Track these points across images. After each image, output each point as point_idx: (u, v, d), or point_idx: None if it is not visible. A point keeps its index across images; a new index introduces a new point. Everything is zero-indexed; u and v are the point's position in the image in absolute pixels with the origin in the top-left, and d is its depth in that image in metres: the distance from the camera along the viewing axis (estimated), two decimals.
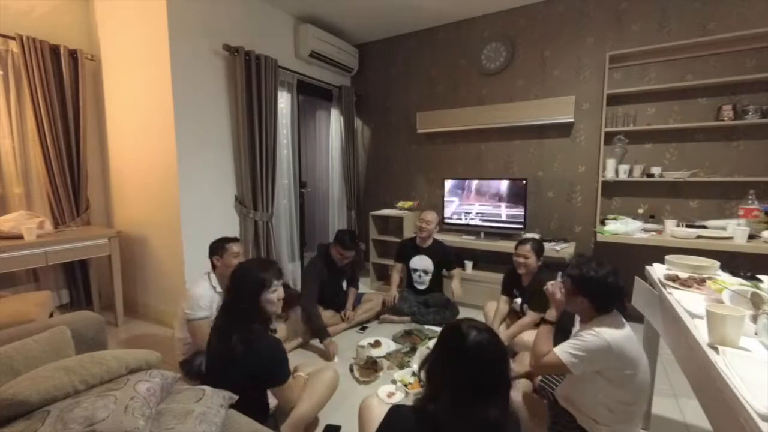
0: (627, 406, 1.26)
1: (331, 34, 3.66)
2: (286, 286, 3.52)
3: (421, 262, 2.98)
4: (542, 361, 1.34)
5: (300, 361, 2.28)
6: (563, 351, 1.28)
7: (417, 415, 0.90)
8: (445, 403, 0.85)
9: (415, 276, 3.00)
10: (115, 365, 1.13)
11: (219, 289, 2.00)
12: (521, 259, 2.30)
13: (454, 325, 0.94)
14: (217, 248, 2.10)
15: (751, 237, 2.33)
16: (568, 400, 1.38)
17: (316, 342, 2.54)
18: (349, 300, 2.84)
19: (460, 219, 3.45)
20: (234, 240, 2.19)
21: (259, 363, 1.33)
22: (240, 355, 1.31)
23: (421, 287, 2.98)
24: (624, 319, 1.34)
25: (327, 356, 2.37)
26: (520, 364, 1.95)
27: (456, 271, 2.96)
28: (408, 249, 3.04)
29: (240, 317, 1.37)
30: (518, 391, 1.58)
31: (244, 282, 1.41)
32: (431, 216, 2.95)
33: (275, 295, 1.45)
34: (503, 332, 2.37)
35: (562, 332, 1.49)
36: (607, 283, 1.30)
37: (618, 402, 1.26)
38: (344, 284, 2.91)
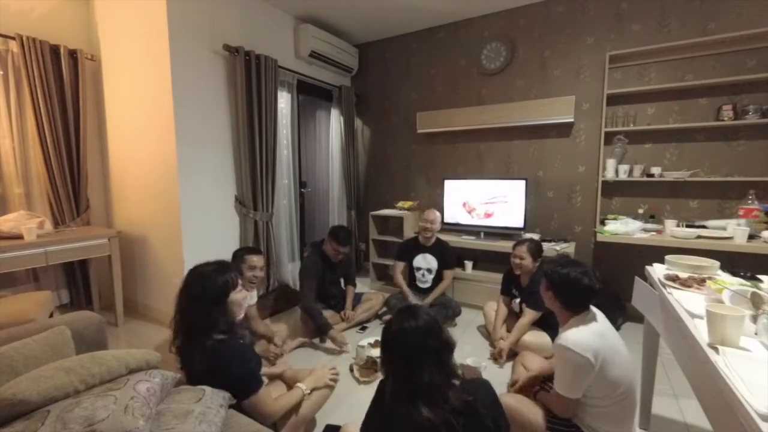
0: (603, 401, 1.29)
1: (331, 34, 3.66)
2: (285, 286, 3.53)
3: (426, 261, 2.97)
4: (558, 410, 1.37)
5: (301, 360, 2.29)
6: (561, 390, 1.31)
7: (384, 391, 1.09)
8: (392, 381, 1.04)
9: (418, 275, 2.99)
10: (115, 365, 1.13)
11: None
12: (517, 260, 2.34)
13: (390, 325, 1.09)
14: (235, 258, 2.11)
15: (751, 237, 2.33)
16: None
17: (316, 341, 2.55)
18: (348, 299, 2.84)
19: (460, 219, 3.45)
20: (255, 251, 2.17)
21: (223, 375, 1.22)
22: (207, 368, 1.23)
23: (424, 286, 2.98)
24: (602, 320, 1.37)
25: (339, 347, 2.41)
26: (520, 364, 1.94)
27: (448, 274, 2.93)
28: (411, 248, 3.03)
29: (202, 328, 1.27)
30: (512, 395, 1.57)
31: (208, 287, 1.30)
32: (433, 215, 2.92)
33: (240, 295, 1.38)
34: (505, 334, 2.38)
35: (554, 330, 1.51)
36: (570, 280, 1.33)
37: (596, 399, 1.29)
38: (341, 282, 2.92)
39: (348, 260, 2.90)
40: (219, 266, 1.38)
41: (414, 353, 1.01)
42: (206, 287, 1.30)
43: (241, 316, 1.41)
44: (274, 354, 2.23)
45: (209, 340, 1.26)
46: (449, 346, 1.06)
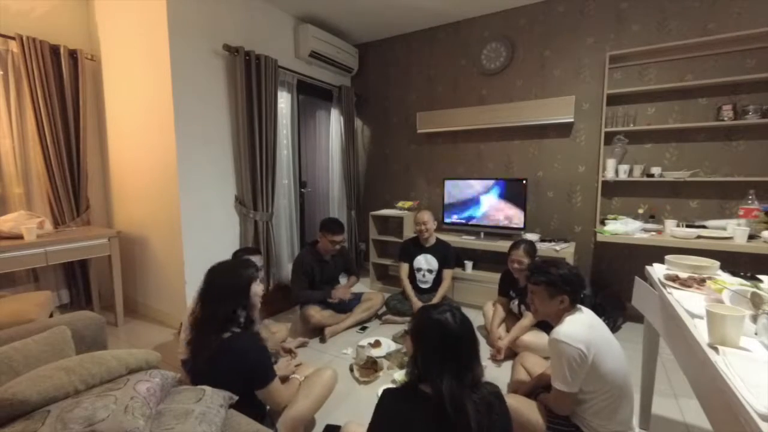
0: (599, 395, 1.30)
1: (331, 34, 3.66)
2: (285, 286, 3.51)
3: (426, 262, 2.98)
4: (558, 407, 1.38)
5: (301, 360, 2.29)
6: (558, 384, 1.33)
7: (406, 389, 1.05)
8: (434, 374, 0.99)
9: (418, 275, 2.99)
10: (115, 365, 1.13)
11: None
12: (516, 265, 2.35)
13: (427, 316, 1.08)
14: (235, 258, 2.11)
15: (751, 237, 2.33)
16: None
17: (316, 341, 2.55)
18: (347, 284, 2.90)
19: (460, 219, 3.45)
20: (254, 252, 2.18)
21: (242, 365, 1.30)
22: (223, 359, 1.28)
23: (425, 286, 2.98)
24: (589, 314, 1.43)
25: (341, 298, 2.69)
26: (520, 365, 1.94)
27: (448, 273, 2.94)
28: (412, 248, 3.04)
29: (225, 321, 1.33)
30: (512, 395, 1.57)
31: (232, 282, 1.38)
32: (427, 216, 2.94)
33: (260, 287, 1.47)
34: (503, 334, 2.38)
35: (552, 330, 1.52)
36: (577, 274, 1.45)
37: (592, 393, 1.31)
38: (340, 280, 2.95)
39: (346, 255, 2.95)
40: (239, 263, 1.50)
41: (464, 347, 1.05)
42: (232, 282, 1.39)
43: (258, 306, 1.49)
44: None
45: (227, 333, 1.32)
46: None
